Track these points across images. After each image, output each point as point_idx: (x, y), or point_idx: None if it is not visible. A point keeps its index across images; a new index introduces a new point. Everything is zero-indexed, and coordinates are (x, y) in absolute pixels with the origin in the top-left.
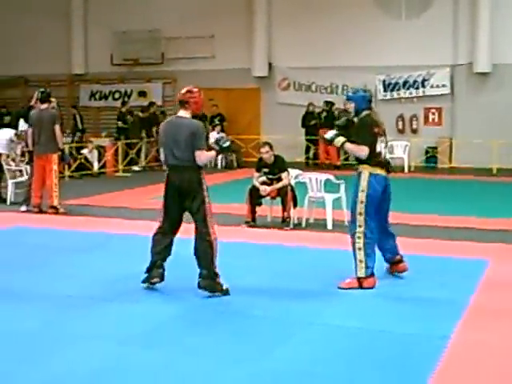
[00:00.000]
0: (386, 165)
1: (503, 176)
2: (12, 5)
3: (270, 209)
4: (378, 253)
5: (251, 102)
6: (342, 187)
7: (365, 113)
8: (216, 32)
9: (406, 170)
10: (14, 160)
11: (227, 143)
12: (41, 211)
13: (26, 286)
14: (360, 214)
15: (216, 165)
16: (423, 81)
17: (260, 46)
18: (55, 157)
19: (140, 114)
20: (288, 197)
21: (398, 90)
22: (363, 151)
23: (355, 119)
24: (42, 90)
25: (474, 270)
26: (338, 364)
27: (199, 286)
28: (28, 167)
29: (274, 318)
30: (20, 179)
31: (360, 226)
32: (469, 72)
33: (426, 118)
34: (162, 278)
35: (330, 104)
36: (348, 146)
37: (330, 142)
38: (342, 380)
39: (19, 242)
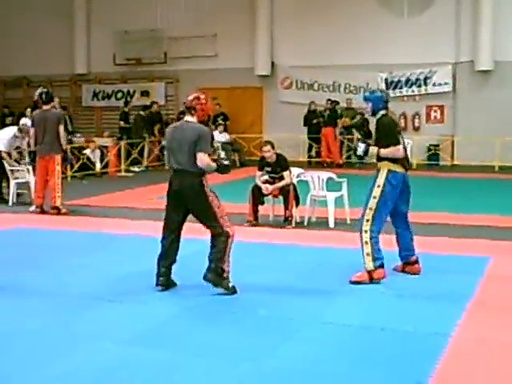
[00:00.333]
0: (404, 161)
1: (505, 173)
2: (14, 5)
3: (272, 207)
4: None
5: (254, 100)
6: (344, 186)
7: (381, 113)
8: (218, 31)
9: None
10: (17, 160)
11: (226, 162)
12: (43, 211)
13: (28, 286)
14: (370, 208)
15: None
16: (425, 79)
17: (262, 45)
18: (58, 157)
19: (142, 113)
20: (290, 195)
21: (401, 87)
22: (399, 151)
23: (369, 118)
24: (44, 90)
25: (477, 266)
26: (340, 362)
27: (204, 278)
28: (30, 167)
29: (276, 316)
30: (22, 180)
31: (367, 221)
32: (471, 70)
33: (428, 115)
34: (166, 287)
35: (334, 103)
36: (383, 151)
37: (364, 156)
38: (344, 378)
39: (20, 243)
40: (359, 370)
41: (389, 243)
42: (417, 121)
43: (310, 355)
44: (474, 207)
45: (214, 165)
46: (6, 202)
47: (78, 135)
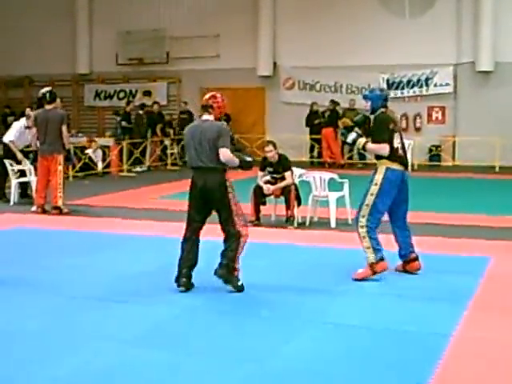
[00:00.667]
0: (403, 160)
1: (506, 173)
2: (16, 4)
3: (274, 208)
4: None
5: (256, 101)
6: (346, 186)
7: (380, 111)
8: (221, 31)
9: (410, 168)
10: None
11: (249, 158)
12: (44, 212)
13: (30, 286)
14: (367, 205)
15: None
16: (427, 79)
17: (265, 46)
18: (61, 157)
19: (140, 112)
20: (292, 196)
21: (402, 88)
22: (384, 149)
23: (371, 117)
24: (48, 89)
25: (477, 267)
26: (342, 362)
27: (215, 273)
28: (31, 167)
29: (278, 316)
30: (24, 179)
31: (363, 216)
32: (472, 70)
33: (430, 116)
34: (187, 287)
35: (334, 103)
36: (369, 146)
37: (352, 144)
38: (345, 378)
39: (22, 243)
40: (361, 370)
41: (388, 243)
42: (418, 121)
43: (313, 355)
44: (474, 207)
45: (237, 160)
46: (8, 201)
47: (80, 135)
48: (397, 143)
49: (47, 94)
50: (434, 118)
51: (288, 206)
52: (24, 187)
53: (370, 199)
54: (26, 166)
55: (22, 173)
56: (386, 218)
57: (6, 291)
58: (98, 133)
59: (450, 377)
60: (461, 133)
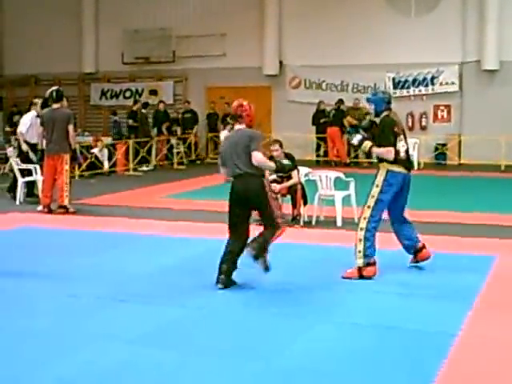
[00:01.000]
0: (405, 162)
1: (511, 172)
2: (22, 4)
3: (280, 206)
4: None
5: (262, 100)
6: (352, 185)
7: (384, 114)
8: (227, 30)
9: (416, 167)
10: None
11: (285, 161)
12: (50, 211)
13: (36, 286)
14: (368, 207)
15: None
16: (432, 78)
17: (271, 45)
18: (67, 156)
19: (144, 111)
20: (298, 195)
21: (408, 87)
22: (390, 153)
23: (377, 120)
24: (55, 88)
25: (483, 265)
26: (348, 360)
27: (248, 245)
28: (37, 167)
29: (285, 315)
30: (30, 178)
31: (364, 218)
32: (477, 69)
33: (435, 115)
34: (226, 285)
35: (339, 102)
36: (375, 150)
37: (358, 146)
38: (352, 376)
39: (28, 242)
40: (367, 368)
41: (388, 243)
42: (424, 120)
43: (320, 354)
44: (480, 206)
45: (271, 164)
46: (14, 199)
47: (86, 134)
48: (399, 146)
49: (54, 93)
50: (439, 116)
51: (294, 205)
52: (30, 186)
53: (371, 201)
54: (34, 158)
55: (29, 172)
56: (385, 217)
57: (11, 290)
58: (104, 132)
59: (456, 375)
60: (466, 131)
